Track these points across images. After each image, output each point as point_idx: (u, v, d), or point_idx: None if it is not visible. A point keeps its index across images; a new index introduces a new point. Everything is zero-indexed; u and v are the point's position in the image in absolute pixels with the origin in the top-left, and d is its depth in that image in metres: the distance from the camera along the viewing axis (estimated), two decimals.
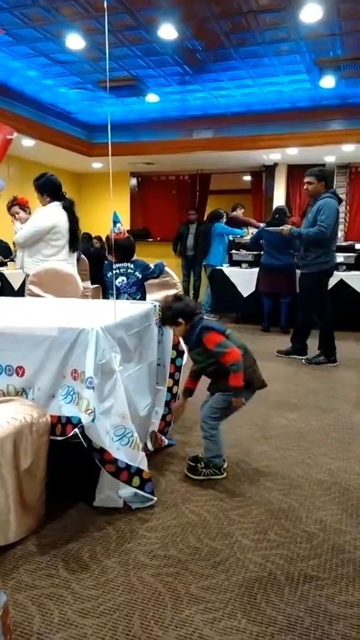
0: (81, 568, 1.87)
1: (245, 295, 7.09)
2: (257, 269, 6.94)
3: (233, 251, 7.58)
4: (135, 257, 3.74)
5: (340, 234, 8.60)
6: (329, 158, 9.23)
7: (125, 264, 3.59)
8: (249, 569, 1.87)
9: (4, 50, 5.86)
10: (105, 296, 3.89)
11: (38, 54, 5.98)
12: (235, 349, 2.42)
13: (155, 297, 3.73)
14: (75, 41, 5.58)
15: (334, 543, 2.05)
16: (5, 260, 6.97)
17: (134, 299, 3.49)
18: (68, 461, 2.32)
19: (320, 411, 3.62)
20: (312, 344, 5.22)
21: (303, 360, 5.03)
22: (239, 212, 8.54)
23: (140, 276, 3.56)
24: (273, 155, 9.24)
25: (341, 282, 6.53)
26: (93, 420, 2.04)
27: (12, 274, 6.40)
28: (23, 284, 4.72)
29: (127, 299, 3.47)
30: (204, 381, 2.69)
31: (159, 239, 10.67)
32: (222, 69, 6.44)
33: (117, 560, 1.91)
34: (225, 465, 2.63)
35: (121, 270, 3.56)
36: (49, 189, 3.92)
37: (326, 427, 3.31)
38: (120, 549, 1.98)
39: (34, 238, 3.86)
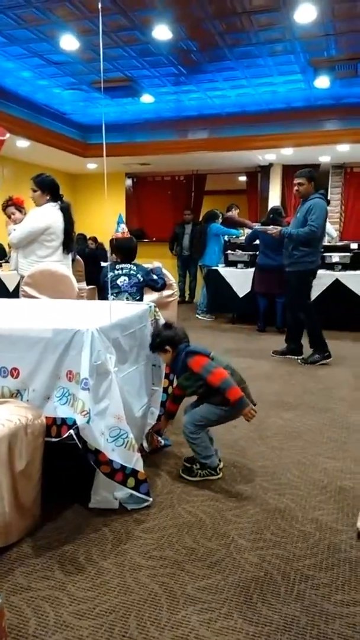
0: (77, 570, 1.86)
1: (241, 295, 7.10)
2: (252, 269, 6.95)
3: (229, 251, 7.59)
4: (136, 261, 3.75)
5: (335, 234, 8.63)
6: (324, 158, 9.25)
7: (127, 265, 3.60)
8: (245, 569, 1.87)
9: None
10: (104, 297, 3.89)
11: (32, 54, 5.97)
12: (220, 369, 2.46)
13: (151, 298, 3.73)
14: (69, 42, 5.57)
15: (329, 542, 2.05)
16: (0, 261, 6.95)
17: (134, 299, 3.49)
18: (63, 463, 2.31)
19: (316, 411, 3.63)
20: (307, 343, 5.23)
21: (299, 360, 5.04)
22: (234, 213, 8.55)
23: (142, 279, 3.56)
24: (268, 156, 9.26)
25: (337, 282, 6.55)
26: (88, 422, 2.03)
27: (7, 275, 6.38)
28: (18, 286, 4.70)
29: (127, 297, 3.47)
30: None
31: (154, 239, 10.68)
32: (217, 69, 6.45)
33: (113, 562, 1.91)
34: (221, 465, 2.63)
35: (123, 270, 3.57)
36: (49, 187, 3.92)
37: (322, 427, 3.32)
38: (116, 550, 1.98)
39: (28, 239, 3.85)
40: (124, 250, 3.68)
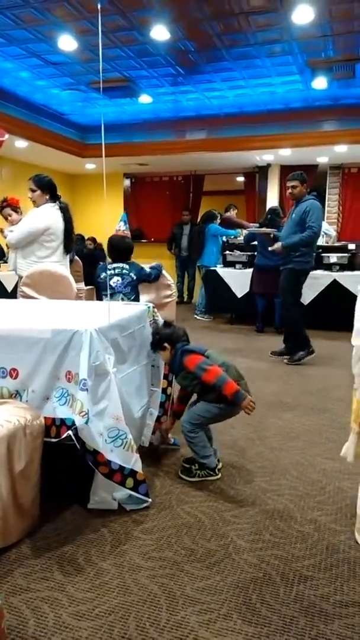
0: (76, 571, 1.86)
1: (239, 295, 7.11)
2: (250, 270, 6.96)
3: (227, 252, 7.59)
4: (132, 260, 3.74)
5: (334, 233, 8.64)
6: (322, 159, 9.26)
7: (120, 265, 3.59)
8: (244, 570, 1.87)
9: None
10: (99, 297, 3.88)
11: (30, 55, 5.97)
12: (215, 366, 2.47)
13: (149, 298, 3.73)
14: (67, 42, 5.57)
15: (328, 543, 2.05)
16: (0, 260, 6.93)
17: (129, 299, 3.49)
18: (62, 463, 2.31)
19: (315, 411, 3.63)
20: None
21: (285, 361, 5.04)
22: (233, 213, 8.56)
23: (135, 277, 3.55)
24: (266, 156, 9.26)
25: (334, 282, 6.56)
26: (87, 422, 2.03)
27: (5, 275, 6.36)
28: (16, 286, 4.69)
29: (121, 299, 3.47)
30: None
31: (152, 239, 10.68)
32: (215, 70, 6.45)
33: (112, 563, 1.91)
34: (219, 466, 2.63)
35: (116, 270, 3.56)
36: (48, 187, 3.93)
37: (321, 428, 3.32)
38: (115, 551, 1.98)
39: (27, 239, 3.84)
40: (116, 249, 3.67)
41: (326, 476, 2.63)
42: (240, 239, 7.87)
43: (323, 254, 6.84)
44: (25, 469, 2.00)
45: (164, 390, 2.92)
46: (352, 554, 1.98)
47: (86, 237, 8.97)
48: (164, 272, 3.88)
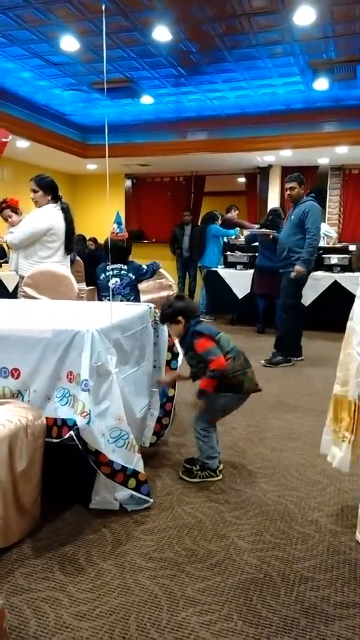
0: (77, 571, 1.86)
1: (240, 296, 7.11)
2: (251, 271, 6.96)
3: (228, 253, 7.59)
4: (130, 259, 3.75)
5: (335, 234, 8.65)
6: (323, 160, 9.27)
7: (118, 266, 3.60)
8: (244, 571, 1.87)
9: None
10: (99, 298, 3.88)
11: (32, 55, 5.97)
12: (221, 358, 2.46)
13: (150, 299, 3.73)
14: (69, 43, 5.57)
15: (329, 544, 2.05)
16: (1, 260, 6.94)
17: (128, 300, 3.49)
18: (64, 464, 2.31)
19: (315, 412, 3.63)
20: (307, 345, 5.23)
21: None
22: (234, 214, 8.56)
23: (133, 277, 3.56)
24: (267, 157, 9.27)
25: (335, 284, 6.56)
26: (88, 423, 2.03)
27: (6, 275, 6.38)
28: (17, 286, 4.69)
29: (121, 300, 3.47)
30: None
31: (153, 240, 10.68)
32: (216, 71, 6.46)
33: (113, 563, 1.91)
34: (220, 467, 2.64)
35: (114, 271, 3.57)
36: (50, 188, 3.94)
37: (321, 429, 3.29)
38: (116, 551, 1.98)
39: (30, 240, 3.85)
40: (115, 251, 3.68)
41: (327, 477, 2.63)
42: (241, 239, 7.87)
43: (324, 255, 6.84)
44: (27, 469, 2.01)
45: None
46: (353, 556, 1.98)
47: (87, 238, 8.97)
48: (165, 272, 3.89)
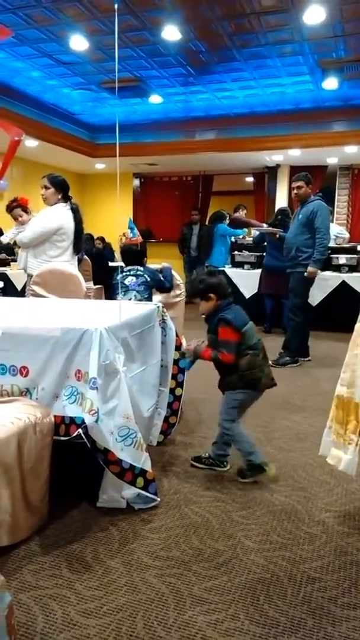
0: (84, 568, 1.87)
1: (247, 296, 7.09)
2: (259, 270, 6.94)
3: (235, 252, 7.58)
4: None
5: (347, 234, 8.61)
6: (332, 159, 9.23)
7: (135, 267, 3.64)
8: (251, 571, 1.87)
9: (8, 50, 5.87)
10: (110, 297, 3.92)
11: (42, 54, 6.00)
12: (232, 356, 2.46)
13: (158, 298, 3.73)
14: (78, 42, 5.59)
15: (336, 545, 2.05)
16: (9, 258, 6.96)
17: (142, 296, 3.51)
18: (71, 462, 2.32)
19: (323, 412, 3.60)
20: (314, 345, 5.21)
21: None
22: (242, 214, 8.55)
23: (149, 278, 3.58)
24: (275, 157, 9.25)
25: (343, 284, 6.53)
26: (97, 421, 2.04)
27: (15, 274, 6.40)
28: (25, 285, 4.71)
29: (134, 295, 3.49)
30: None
31: (161, 239, 10.69)
32: (225, 70, 6.45)
33: (120, 561, 1.91)
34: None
35: (131, 272, 3.62)
36: (62, 186, 3.96)
37: None
38: (123, 549, 1.99)
39: (40, 239, 3.86)
40: (129, 254, 3.74)
41: (334, 478, 2.63)
42: (249, 239, 7.85)
43: (332, 255, 6.81)
44: (35, 467, 2.02)
45: (171, 391, 2.93)
46: None
47: (95, 237, 8.99)
48: (174, 272, 3.89)
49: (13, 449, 1.92)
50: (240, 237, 8.00)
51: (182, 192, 11.20)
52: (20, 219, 4.28)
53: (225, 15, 5.00)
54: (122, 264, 3.71)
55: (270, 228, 6.47)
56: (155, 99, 7.55)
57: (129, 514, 2.24)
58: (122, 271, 3.63)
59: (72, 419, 2.15)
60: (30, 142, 7.97)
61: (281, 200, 9.92)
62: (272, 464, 2.58)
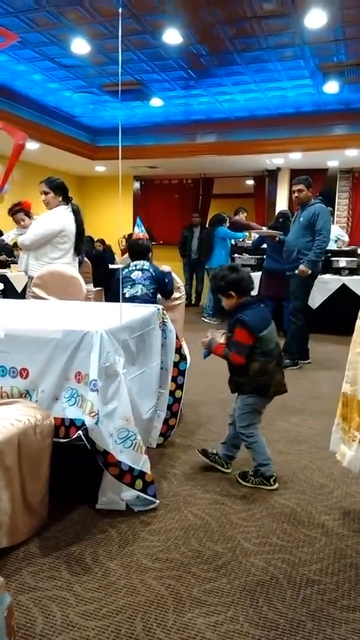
0: (84, 570, 1.87)
1: None
2: (259, 273, 6.94)
3: (236, 255, 7.59)
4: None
5: (347, 239, 8.63)
6: (332, 163, 9.25)
7: (140, 262, 3.71)
8: (251, 573, 1.88)
9: (10, 53, 5.89)
10: (109, 299, 3.96)
11: (43, 57, 6.02)
12: (241, 358, 2.44)
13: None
14: (80, 45, 5.61)
15: (336, 547, 2.05)
16: (9, 259, 6.97)
17: (148, 290, 3.54)
18: (71, 463, 2.32)
19: (322, 415, 3.62)
20: (314, 348, 5.22)
21: None
22: (242, 216, 8.56)
23: (153, 273, 3.62)
24: (276, 160, 9.26)
25: (343, 287, 6.54)
26: (97, 423, 2.04)
27: (15, 276, 6.41)
28: (26, 286, 4.72)
29: (141, 289, 3.53)
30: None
31: (161, 242, 10.69)
32: (226, 73, 6.47)
33: (120, 563, 1.92)
34: (274, 476, 2.56)
35: (137, 266, 3.68)
36: (61, 190, 3.98)
37: (328, 432, 3.27)
38: (122, 551, 1.99)
39: (42, 241, 3.87)
40: (135, 249, 3.84)
41: (333, 480, 2.63)
42: (248, 242, 7.86)
43: (332, 258, 6.83)
44: (35, 468, 2.02)
45: (171, 393, 2.93)
46: (359, 559, 1.97)
47: (95, 239, 9.01)
48: (173, 275, 3.91)
49: (13, 450, 1.92)
50: (241, 239, 8.01)
51: (183, 195, 11.21)
52: (22, 222, 4.29)
53: (227, 19, 5.02)
54: (122, 265, 3.75)
55: (270, 231, 6.48)
56: (156, 102, 7.58)
57: (129, 516, 2.24)
58: (128, 266, 3.70)
59: (72, 421, 2.15)
60: (31, 145, 7.98)
61: (281, 204, 9.93)
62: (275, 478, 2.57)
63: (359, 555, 2.00)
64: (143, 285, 3.56)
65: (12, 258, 6.98)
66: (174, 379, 2.92)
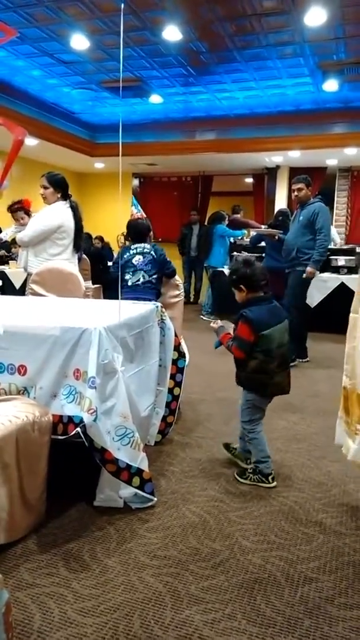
0: (81, 567, 1.87)
1: None
2: None
3: (234, 253, 7.58)
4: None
5: (339, 240, 8.63)
6: (331, 161, 9.25)
7: (140, 245, 3.66)
8: (248, 570, 1.88)
9: (9, 49, 5.87)
10: (108, 296, 3.93)
11: (42, 53, 6.00)
12: (240, 352, 2.46)
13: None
14: (79, 41, 5.60)
15: (333, 545, 2.05)
16: (8, 255, 6.96)
17: (149, 276, 3.52)
18: (69, 460, 2.32)
19: (320, 414, 3.63)
20: (313, 346, 5.22)
21: None
22: (240, 214, 8.56)
23: (155, 255, 3.59)
24: (275, 158, 9.26)
25: (342, 285, 6.54)
26: (95, 420, 2.04)
27: (13, 272, 6.40)
28: (24, 283, 4.71)
29: (143, 276, 3.50)
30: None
31: (160, 239, 10.68)
32: (226, 71, 6.46)
33: (118, 560, 1.92)
34: (272, 474, 2.56)
35: (138, 249, 3.63)
36: (61, 185, 3.96)
37: (326, 430, 3.31)
38: (120, 548, 1.99)
39: (40, 237, 3.86)
40: (134, 230, 3.81)
41: (331, 479, 2.63)
42: (247, 240, 7.86)
43: (331, 257, 6.82)
44: (33, 465, 2.02)
45: (170, 390, 2.93)
46: (357, 557, 1.98)
47: (94, 236, 8.99)
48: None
49: (11, 447, 1.92)
50: (239, 238, 8.01)
51: (182, 193, 11.21)
52: (22, 220, 4.28)
53: (226, 16, 5.01)
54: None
55: (269, 229, 6.48)
56: (155, 99, 7.56)
57: (127, 513, 2.24)
58: (129, 249, 3.65)
59: (70, 418, 2.15)
60: (30, 141, 7.96)
61: (280, 202, 9.93)
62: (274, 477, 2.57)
63: (356, 553, 2.00)
64: (145, 271, 3.53)
65: (10, 254, 6.96)
66: (172, 377, 2.92)
